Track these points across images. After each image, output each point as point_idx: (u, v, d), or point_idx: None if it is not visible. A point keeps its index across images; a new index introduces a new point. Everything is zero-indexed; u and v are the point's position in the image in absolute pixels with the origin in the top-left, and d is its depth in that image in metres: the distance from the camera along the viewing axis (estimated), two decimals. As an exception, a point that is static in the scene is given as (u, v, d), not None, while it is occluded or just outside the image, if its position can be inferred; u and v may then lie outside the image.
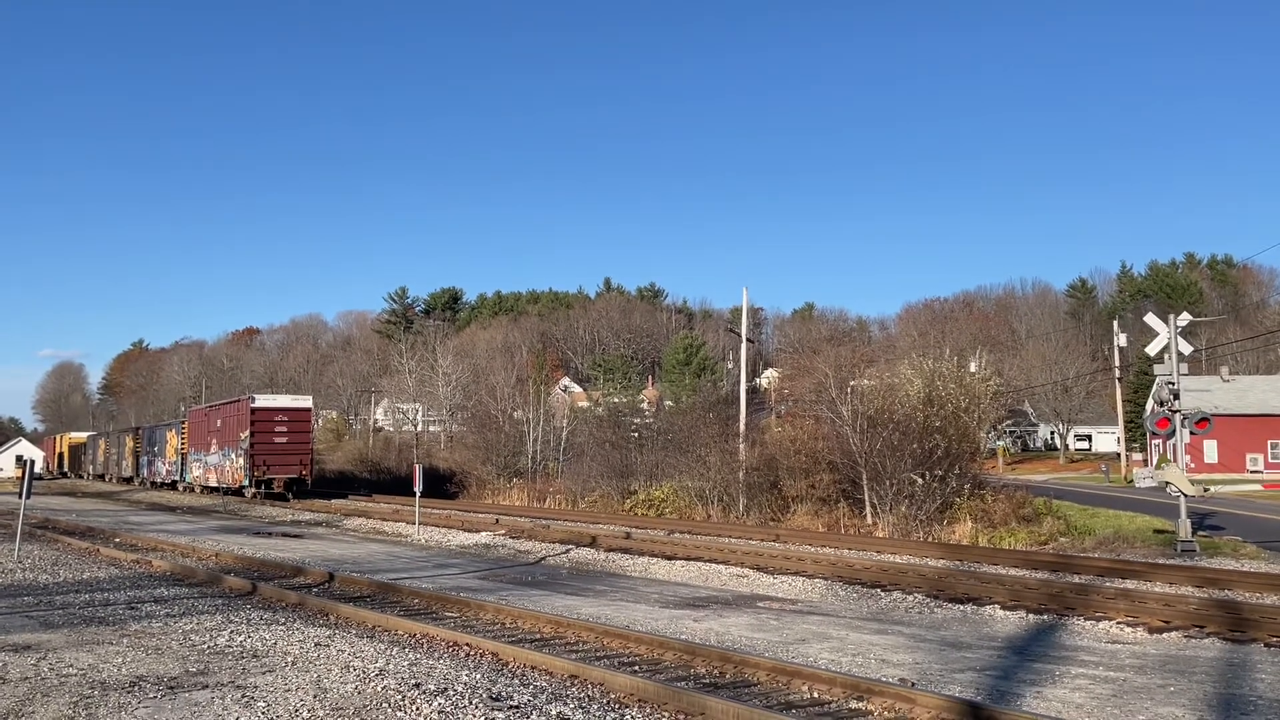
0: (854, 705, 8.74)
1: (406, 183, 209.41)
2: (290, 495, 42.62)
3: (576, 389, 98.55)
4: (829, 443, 30.92)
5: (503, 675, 9.66)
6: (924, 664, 10.71)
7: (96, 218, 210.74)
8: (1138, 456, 65.97)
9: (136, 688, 9.07)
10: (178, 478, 53.49)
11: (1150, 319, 25.52)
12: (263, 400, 45.04)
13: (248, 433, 42.55)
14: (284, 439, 42.88)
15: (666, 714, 8.33)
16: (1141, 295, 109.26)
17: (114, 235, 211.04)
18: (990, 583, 16.64)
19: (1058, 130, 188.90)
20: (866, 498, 28.61)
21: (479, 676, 9.52)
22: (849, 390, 33.24)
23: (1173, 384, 23.03)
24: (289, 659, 10.38)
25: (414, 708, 8.29)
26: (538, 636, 12.11)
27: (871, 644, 11.89)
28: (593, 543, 24.10)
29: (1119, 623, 13.10)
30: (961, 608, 14.62)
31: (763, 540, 25.12)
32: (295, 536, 27.82)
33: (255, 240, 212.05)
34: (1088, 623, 13.22)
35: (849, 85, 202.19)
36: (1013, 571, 18.65)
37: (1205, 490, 23.49)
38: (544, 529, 27.50)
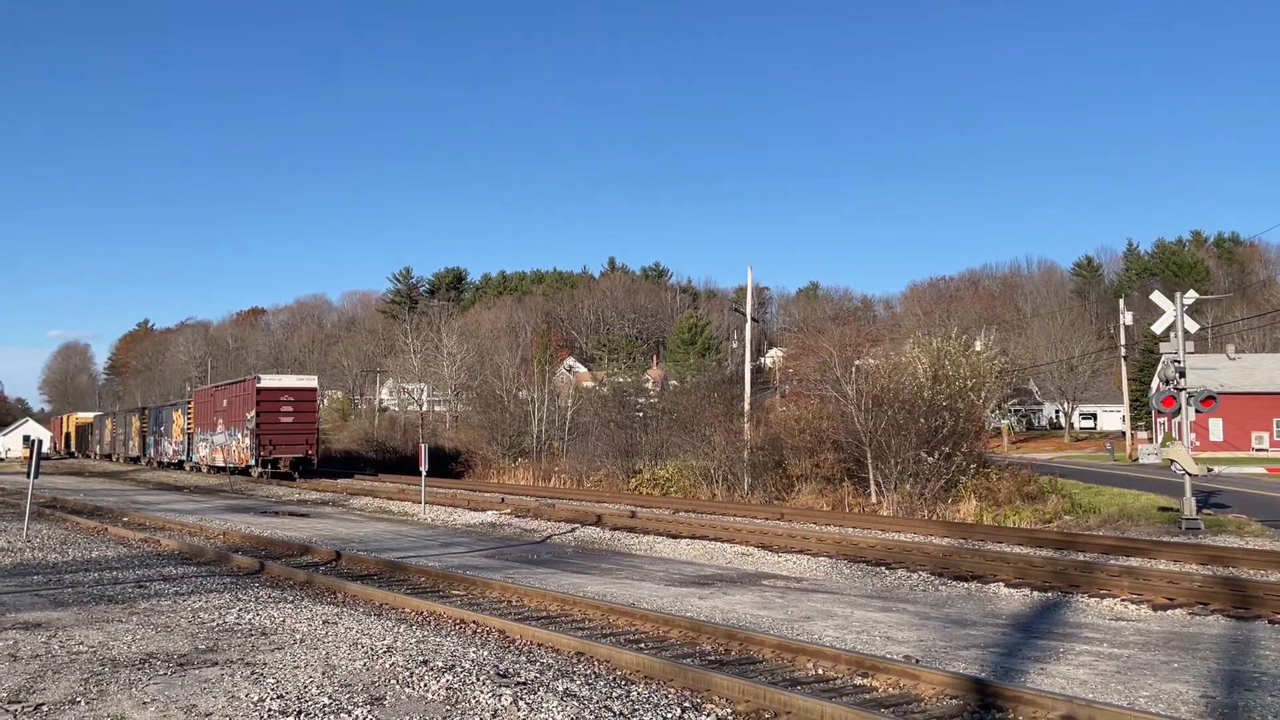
0: (859, 681, 8.79)
1: (411, 162, 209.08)
2: (296, 475, 42.74)
3: (581, 369, 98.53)
4: (833, 422, 30.94)
5: (510, 652, 9.72)
6: (929, 641, 10.75)
7: (102, 198, 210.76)
8: (1143, 435, 66.00)
9: (147, 665, 9.14)
10: (184, 457, 53.69)
11: (1156, 297, 25.45)
12: (268, 380, 45.09)
13: (253, 412, 42.66)
14: (290, 419, 42.98)
15: (672, 690, 8.37)
16: (1147, 273, 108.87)
17: (120, 215, 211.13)
18: (995, 560, 16.69)
19: (1064, 108, 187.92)
20: (871, 476, 28.66)
21: (486, 653, 9.58)
22: (854, 369, 33.22)
23: (1178, 362, 22.98)
24: (297, 636, 10.45)
25: (422, 684, 8.35)
26: (544, 614, 12.17)
27: (876, 621, 11.94)
28: (598, 521, 24.18)
29: (1123, 600, 13.13)
30: (966, 585, 14.66)
31: (767, 519, 25.18)
32: (302, 515, 27.94)
33: (260, 220, 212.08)
34: (1092, 600, 13.25)
35: (851, 62, 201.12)
36: (1017, 549, 18.70)
37: (1209, 470, 23.50)
38: (549, 508, 27.58)
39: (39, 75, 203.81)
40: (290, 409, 43.12)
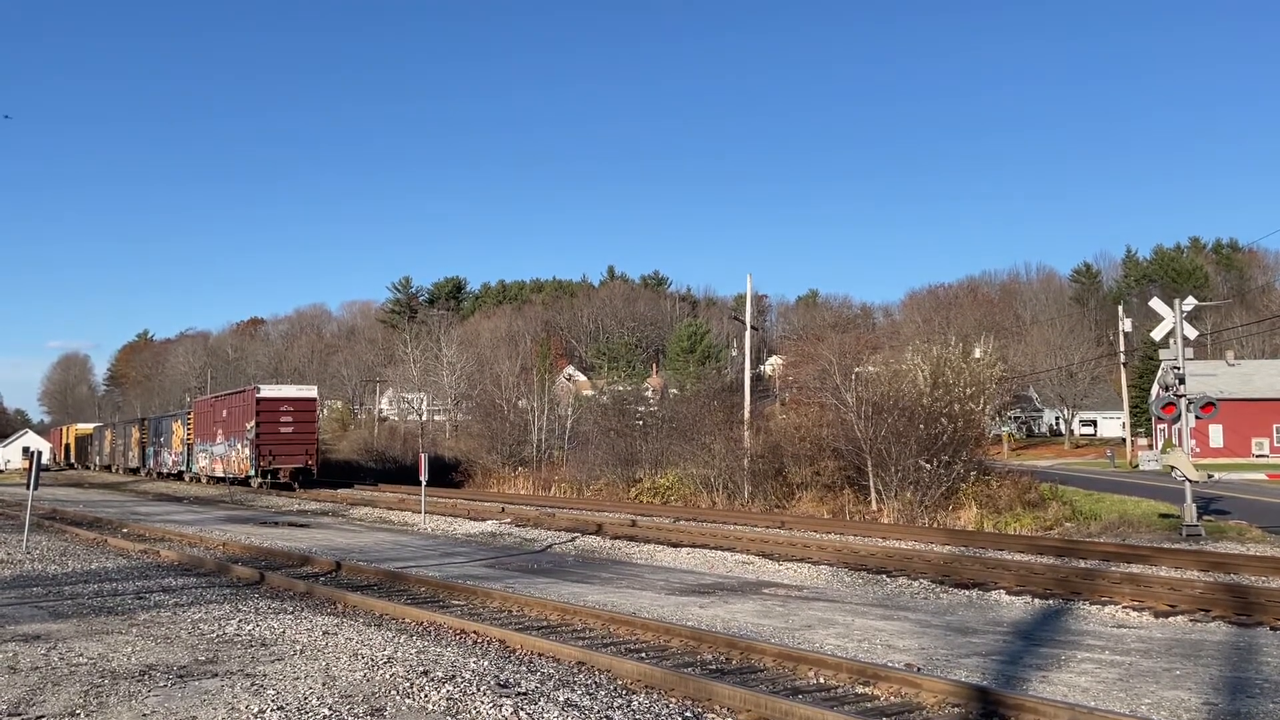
0: (860, 690, 8.77)
1: (409, 171, 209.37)
2: (296, 485, 42.74)
3: (581, 377, 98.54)
4: (833, 429, 30.91)
5: (510, 662, 9.70)
6: (930, 649, 10.73)
7: (102, 208, 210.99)
8: (1143, 441, 65.92)
9: (147, 676, 9.12)
10: (184, 468, 53.65)
11: (1155, 303, 25.47)
12: (268, 390, 45.11)
13: (253, 423, 42.64)
14: (289, 429, 42.97)
15: (674, 699, 8.35)
16: (1146, 280, 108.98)
17: (120, 226, 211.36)
18: (996, 568, 16.66)
19: (1061, 113, 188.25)
20: (871, 484, 28.63)
21: (486, 663, 9.56)
22: (853, 377, 33.21)
23: (1178, 369, 22.99)
24: (298, 647, 10.43)
25: (422, 695, 8.33)
26: (545, 623, 12.15)
27: (877, 629, 11.92)
28: (598, 530, 24.16)
29: (1125, 607, 13.11)
30: (967, 593, 14.64)
31: (768, 527, 25.16)
32: (302, 526, 27.90)
33: (259, 231, 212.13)
34: (1094, 607, 13.23)
35: (851, 69, 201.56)
36: (1018, 556, 18.67)
37: (1210, 476, 23.50)
38: (550, 517, 27.56)
39: (39, 80, 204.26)
40: (290, 419, 43.11)
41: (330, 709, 7.90)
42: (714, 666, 9.77)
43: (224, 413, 47.19)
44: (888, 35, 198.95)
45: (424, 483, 28.86)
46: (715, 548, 20.35)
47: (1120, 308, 64.28)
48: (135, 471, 63.99)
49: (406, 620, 12.20)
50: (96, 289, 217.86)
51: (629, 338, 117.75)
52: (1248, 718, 8.08)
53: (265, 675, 9.11)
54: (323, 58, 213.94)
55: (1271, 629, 11.72)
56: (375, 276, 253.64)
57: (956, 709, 8.08)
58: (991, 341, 36.27)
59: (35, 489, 21.23)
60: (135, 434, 64.86)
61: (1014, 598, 14.10)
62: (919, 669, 9.47)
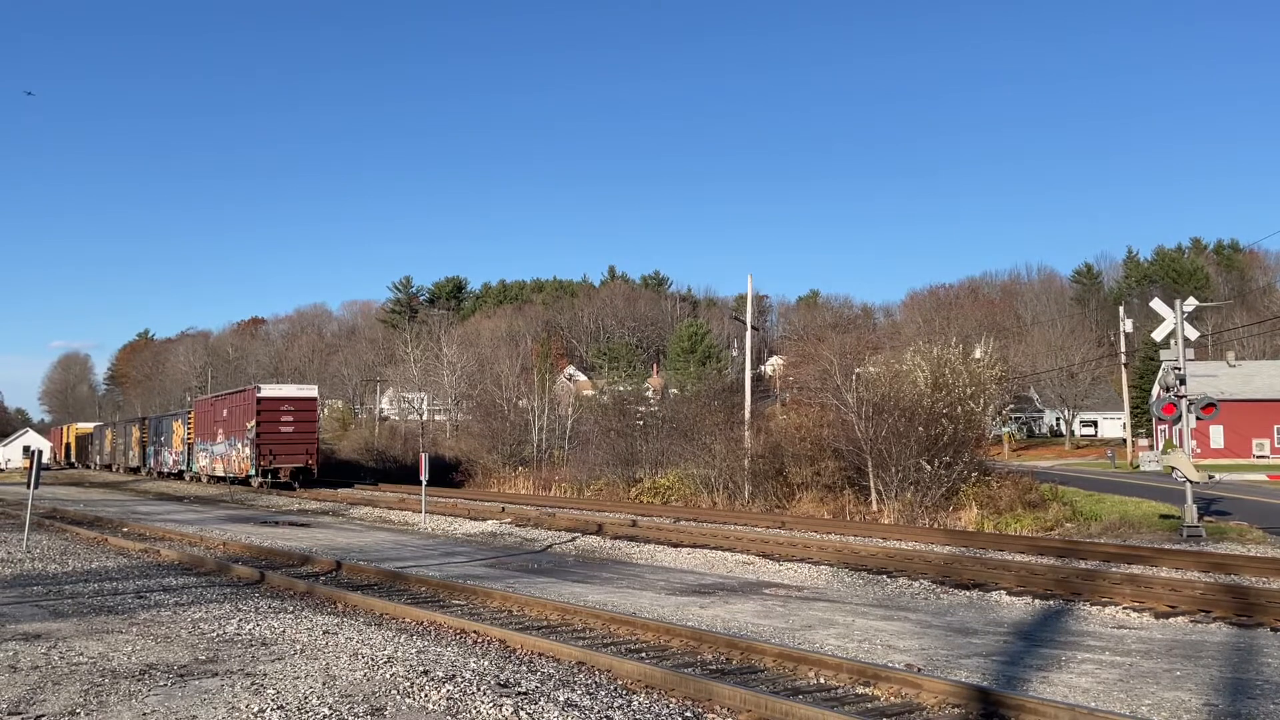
0: (861, 690, 8.77)
1: (410, 171, 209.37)
2: (297, 484, 42.74)
3: (581, 377, 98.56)
4: (834, 430, 30.90)
5: (510, 662, 9.70)
6: (930, 650, 10.73)
7: (103, 208, 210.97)
8: (1144, 442, 65.91)
9: (147, 676, 9.11)
10: (184, 468, 53.65)
11: (1156, 304, 25.46)
12: (268, 390, 45.12)
13: (254, 422, 42.65)
14: (290, 428, 42.98)
15: (674, 699, 8.35)
16: (1147, 280, 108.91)
17: (120, 225, 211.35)
18: (996, 568, 16.65)
19: (1063, 114, 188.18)
20: (872, 484, 28.62)
21: (487, 663, 9.56)
22: (854, 377, 33.21)
23: (1179, 369, 22.97)
24: (298, 647, 10.43)
25: (422, 694, 8.33)
26: (545, 623, 12.14)
27: (878, 630, 11.91)
28: (599, 530, 24.15)
29: (1125, 608, 13.10)
30: (968, 593, 14.63)
31: (768, 527, 25.15)
32: (302, 525, 27.90)
33: (260, 230, 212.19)
34: (1094, 608, 13.22)
35: (851, 70, 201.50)
36: (1019, 557, 18.66)
37: (1210, 477, 23.47)
38: (550, 517, 27.55)
39: (39, 80, 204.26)
40: (290, 419, 43.12)
41: (330, 708, 7.90)
42: (714, 667, 9.77)
43: (224, 412, 47.19)
44: (889, 35, 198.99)
45: (424, 482, 28.85)
46: (716, 548, 20.34)
47: (1121, 308, 64.27)
48: (136, 471, 64.00)
49: (407, 620, 12.20)
50: (97, 289, 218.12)
51: (629, 338, 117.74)
52: (1248, 719, 8.07)
53: (265, 675, 9.11)
54: (323, 58, 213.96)
55: (1272, 630, 11.71)
56: (375, 276, 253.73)
57: (957, 709, 8.08)
58: (992, 342, 36.27)
59: (36, 488, 21.22)
60: (136, 433, 64.87)
61: (1014, 598, 14.10)
62: (919, 669, 9.47)
